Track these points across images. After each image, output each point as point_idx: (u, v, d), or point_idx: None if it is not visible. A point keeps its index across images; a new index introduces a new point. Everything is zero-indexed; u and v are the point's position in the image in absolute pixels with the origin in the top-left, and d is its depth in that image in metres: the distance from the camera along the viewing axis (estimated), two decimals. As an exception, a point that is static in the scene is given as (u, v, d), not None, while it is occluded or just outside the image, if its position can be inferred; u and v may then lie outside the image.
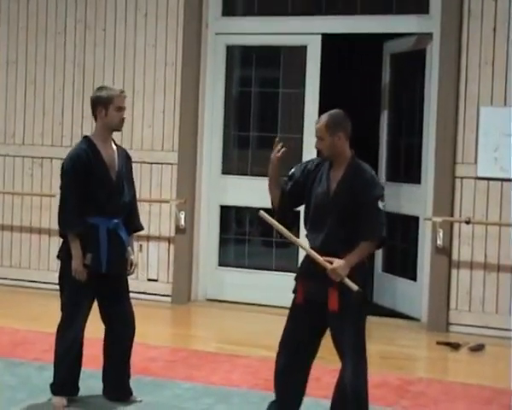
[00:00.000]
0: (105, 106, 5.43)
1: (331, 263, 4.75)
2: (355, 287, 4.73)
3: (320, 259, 4.79)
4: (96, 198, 5.41)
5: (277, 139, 5.08)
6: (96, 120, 5.54)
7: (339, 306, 4.79)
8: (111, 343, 5.60)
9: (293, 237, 4.98)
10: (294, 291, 5.01)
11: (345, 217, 4.82)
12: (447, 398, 5.96)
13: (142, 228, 5.82)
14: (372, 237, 4.81)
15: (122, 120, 5.51)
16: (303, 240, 5.05)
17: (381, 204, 4.82)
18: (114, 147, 5.58)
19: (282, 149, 4.99)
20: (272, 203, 5.08)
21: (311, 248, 4.91)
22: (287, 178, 5.08)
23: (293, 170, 5.09)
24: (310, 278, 4.89)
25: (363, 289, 4.78)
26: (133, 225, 5.70)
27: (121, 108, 5.48)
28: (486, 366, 7.07)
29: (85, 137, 5.56)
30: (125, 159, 5.63)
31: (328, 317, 4.85)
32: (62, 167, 5.50)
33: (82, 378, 5.59)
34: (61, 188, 5.51)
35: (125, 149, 5.82)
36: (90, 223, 5.40)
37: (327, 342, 7.65)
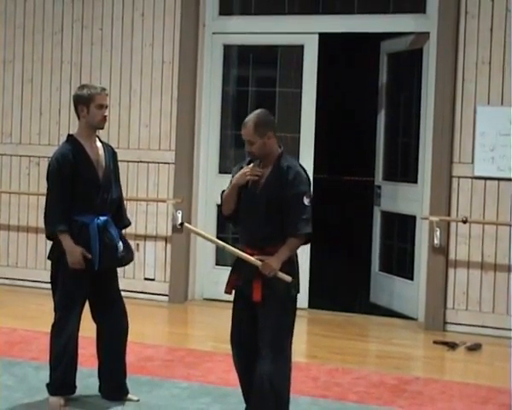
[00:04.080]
0: (86, 104, 5.45)
1: (262, 261, 4.84)
2: (289, 278, 4.85)
3: (251, 258, 4.89)
4: (84, 196, 5.41)
5: (259, 165, 5.03)
6: (78, 118, 5.55)
7: (262, 298, 4.87)
8: (105, 342, 5.59)
9: (221, 243, 5.10)
10: (226, 287, 5.12)
11: (271, 213, 4.90)
12: (444, 397, 5.96)
13: (129, 223, 5.82)
14: (297, 233, 4.87)
15: (104, 118, 5.51)
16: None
17: (306, 200, 4.89)
18: (99, 144, 5.58)
19: (258, 173, 4.98)
20: (226, 207, 5.09)
21: (241, 242, 5.03)
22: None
23: (233, 175, 5.14)
24: (238, 272, 5.01)
25: (293, 284, 4.90)
26: (122, 221, 5.70)
27: (102, 106, 5.48)
28: (483, 365, 7.07)
29: (70, 136, 5.56)
30: (112, 155, 5.64)
31: (257, 308, 4.93)
32: (48, 168, 5.50)
33: (79, 377, 5.59)
34: (48, 189, 5.51)
35: (111, 145, 5.80)
36: (79, 221, 5.41)
37: (324, 342, 7.65)
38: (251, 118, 5.00)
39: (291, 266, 4.95)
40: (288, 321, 4.95)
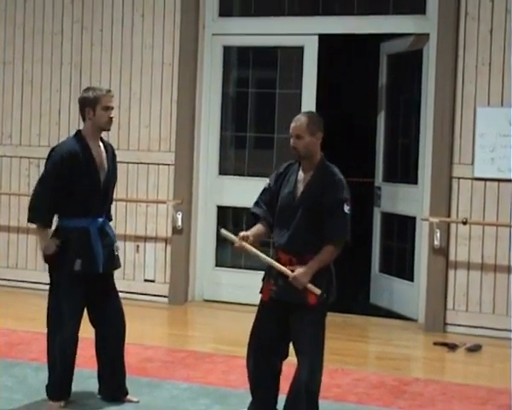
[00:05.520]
0: (92, 106, 5.43)
1: (293, 271, 4.81)
2: (318, 291, 4.81)
3: (282, 268, 4.86)
4: (85, 199, 5.40)
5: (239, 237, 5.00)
6: (84, 120, 5.53)
7: (297, 306, 4.85)
8: (103, 344, 5.57)
9: (255, 251, 4.98)
10: (261, 291, 5.09)
11: (310, 218, 4.88)
12: (444, 398, 5.96)
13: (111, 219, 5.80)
14: (335, 239, 4.87)
15: (110, 120, 5.50)
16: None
17: (346, 208, 4.88)
18: (102, 145, 5.56)
19: (243, 243, 4.95)
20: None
21: (276, 246, 4.99)
22: (263, 191, 5.15)
23: (268, 181, 5.16)
24: (275, 278, 4.95)
25: (325, 293, 4.87)
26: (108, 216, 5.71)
27: (109, 108, 5.46)
28: (483, 366, 7.07)
29: (79, 133, 5.50)
30: (112, 156, 5.62)
31: (290, 315, 4.91)
32: (49, 155, 5.45)
33: (80, 379, 5.59)
34: (42, 176, 5.45)
35: (112, 144, 5.75)
36: (79, 226, 5.40)
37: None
38: (304, 114, 5.05)
39: (324, 275, 4.91)
40: (323, 328, 4.96)
